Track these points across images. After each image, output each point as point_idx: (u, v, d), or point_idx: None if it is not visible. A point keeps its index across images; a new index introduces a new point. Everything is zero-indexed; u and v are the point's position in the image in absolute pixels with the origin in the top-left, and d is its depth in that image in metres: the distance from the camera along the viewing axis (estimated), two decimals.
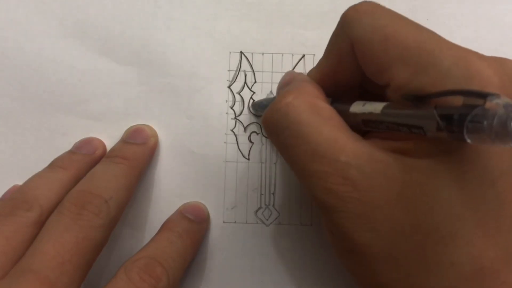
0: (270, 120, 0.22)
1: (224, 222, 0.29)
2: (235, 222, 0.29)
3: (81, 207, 0.23)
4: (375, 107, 0.20)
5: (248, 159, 0.30)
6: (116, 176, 0.26)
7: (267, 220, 0.29)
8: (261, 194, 0.29)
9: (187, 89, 0.30)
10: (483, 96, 0.15)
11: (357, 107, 0.21)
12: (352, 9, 0.21)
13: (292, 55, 0.30)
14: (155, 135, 0.29)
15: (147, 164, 0.29)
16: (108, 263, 0.29)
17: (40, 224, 0.23)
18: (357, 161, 0.19)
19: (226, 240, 0.29)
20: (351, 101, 0.22)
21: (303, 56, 0.30)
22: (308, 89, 0.22)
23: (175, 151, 0.30)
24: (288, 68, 0.30)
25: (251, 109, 0.30)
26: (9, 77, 0.30)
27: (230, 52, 0.30)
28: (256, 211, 0.29)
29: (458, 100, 0.16)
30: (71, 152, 0.29)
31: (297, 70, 0.30)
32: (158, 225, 0.28)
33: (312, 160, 0.20)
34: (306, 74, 0.25)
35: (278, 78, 0.30)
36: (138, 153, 0.28)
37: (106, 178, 0.26)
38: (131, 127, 0.29)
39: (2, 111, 0.30)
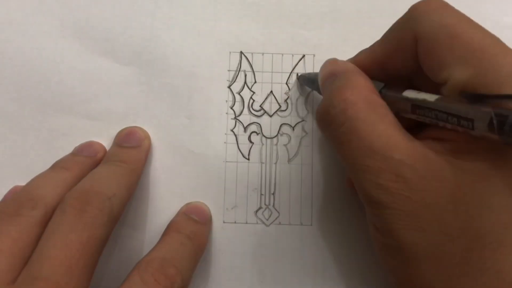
0: (326, 115, 0.22)
1: (224, 222, 0.29)
2: (235, 222, 0.29)
3: (84, 204, 0.23)
4: (430, 96, 0.20)
5: (248, 159, 0.30)
6: (117, 175, 0.26)
7: (267, 220, 0.29)
8: (261, 194, 0.29)
9: (187, 89, 0.30)
10: None
11: (411, 93, 0.21)
12: (422, 3, 0.21)
13: (292, 55, 0.30)
14: (148, 137, 0.29)
15: (144, 166, 0.29)
16: (108, 263, 0.29)
17: (46, 223, 0.23)
18: (410, 160, 0.19)
19: (226, 240, 0.29)
20: (402, 89, 0.22)
21: (303, 56, 0.30)
22: (363, 84, 0.22)
23: (175, 151, 0.30)
24: (288, 68, 0.30)
25: (298, 81, 0.30)
26: (9, 77, 0.30)
27: (230, 52, 0.30)
28: (256, 211, 0.29)
29: None
30: (73, 154, 0.29)
31: (297, 70, 0.30)
32: (158, 225, 0.28)
33: (365, 155, 0.20)
34: (353, 58, 0.25)
35: (278, 78, 0.30)
36: (135, 156, 0.28)
37: (108, 177, 0.26)
38: (123, 130, 0.29)
39: (2, 111, 0.30)
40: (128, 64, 0.30)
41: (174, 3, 0.31)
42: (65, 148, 0.29)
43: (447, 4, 0.21)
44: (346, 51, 0.30)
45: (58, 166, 0.28)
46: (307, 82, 0.29)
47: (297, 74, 0.30)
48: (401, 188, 0.19)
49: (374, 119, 0.21)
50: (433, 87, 0.21)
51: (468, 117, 0.18)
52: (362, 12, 0.30)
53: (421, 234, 0.19)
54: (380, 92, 0.23)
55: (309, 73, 0.30)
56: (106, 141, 0.30)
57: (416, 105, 0.21)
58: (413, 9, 0.22)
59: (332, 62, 0.25)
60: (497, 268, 0.18)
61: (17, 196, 0.25)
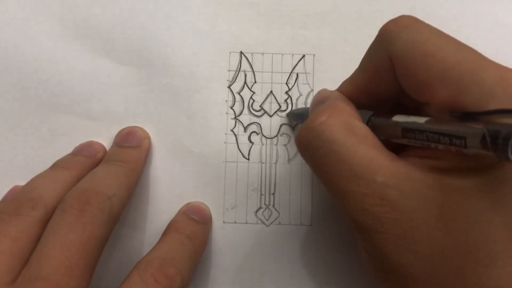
0: (304, 139, 0.22)
1: (224, 222, 0.29)
2: (235, 222, 0.29)
3: (84, 204, 0.23)
4: (419, 118, 0.20)
5: (248, 159, 0.30)
6: (117, 175, 0.26)
7: (267, 220, 0.29)
8: (261, 194, 0.29)
9: (187, 89, 0.30)
10: None
11: (400, 118, 0.21)
12: (392, 22, 0.21)
13: (292, 55, 0.30)
14: (148, 137, 0.29)
15: (144, 166, 0.29)
16: (108, 263, 0.29)
17: (46, 223, 0.23)
18: (394, 181, 0.19)
19: (226, 240, 0.29)
20: (391, 115, 0.21)
21: (303, 56, 0.30)
22: (342, 108, 0.22)
23: (175, 151, 0.30)
24: (288, 68, 0.30)
25: (287, 118, 0.30)
26: (9, 77, 0.30)
27: (230, 52, 0.30)
28: (256, 211, 0.29)
29: (509, 120, 0.16)
30: (73, 154, 0.29)
31: (297, 70, 0.30)
32: (158, 225, 0.28)
33: (347, 180, 0.19)
34: (337, 89, 0.24)
35: (278, 78, 0.30)
36: (135, 156, 0.28)
37: (108, 177, 0.26)
38: (123, 129, 0.29)
39: (2, 111, 0.30)
40: (128, 64, 0.30)
41: (173, 3, 0.31)
42: (65, 148, 0.29)
43: (417, 20, 0.20)
44: (346, 51, 0.30)
45: (58, 166, 0.28)
46: (296, 117, 0.29)
47: (287, 114, 0.30)
48: (387, 211, 0.19)
49: (353, 142, 0.20)
50: (423, 108, 0.21)
51: (460, 135, 0.17)
52: (362, 12, 0.30)
53: (414, 256, 0.19)
54: (369, 120, 0.22)
55: (298, 109, 0.30)
56: (106, 141, 0.30)
57: (406, 128, 0.20)
58: (383, 30, 0.21)
59: (320, 91, 0.25)
60: (492, 282, 0.18)
61: (17, 196, 0.25)
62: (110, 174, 0.26)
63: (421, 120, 0.19)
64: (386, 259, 0.19)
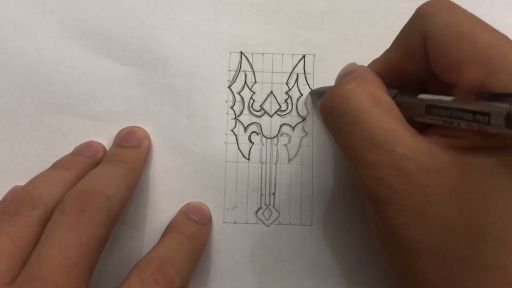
0: (329, 104, 0.22)
1: (224, 222, 0.29)
2: (235, 223, 0.29)
3: (83, 204, 0.23)
4: (445, 97, 0.20)
5: (248, 159, 0.30)
6: (117, 175, 0.26)
7: (267, 220, 0.29)
8: (261, 194, 0.29)
9: (187, 89, 0.30)
10: None
11: (426, 96, 0.21)
12: (429, 4, 0.21)
13: (292, 55, 0.30)
14: (148, 137, 0.29)
15: (144, 166, 0.29)
16: (108, 263, 0.29)
17: (45, 223, 0.23)
18: (414, 154, 0.19)
19: (226, 241, 0.29)
20: (416, 94, 0.22)
21: (303, 56, 0.30)
22: (370, 79, 0.22)
23: (175, 151, 0.30)
24: (288, 68, 0.30)
25: (310, 96, 0.30)
26: (9, 77, 0.30)
27: (230, 52, 0.30)
28: (256, 211, 0.29)
29: None
30: (73, 154, 0.29)
31: (297, 70, 0.30)
32: (158, 225, 0.28)
33: (368, 148, 0.20)
34: (367, 65, 0.25)
35: (278, 78, 0.30)
36: (135, 156, 0.28)
37: (107, 177, 0.26)
38: (123, 129, 0.29)
39: (2, 111, 0.30)
40: (128, 64, 0.30)
41: (174, 3, 0.31)
42: (65, 148, 0.29)
43: (453, 4, 0.21)
44: (346, 51, 0.30)
45: (58, 165, 0.28)
46: (319, 95, 0.29)
47: (309, 92, 0.30)
48: (403, 183, 0.19)
49: (377, 112, 0.20)
50: (447, 93, 0.21)
51: (485, 111, 0.17)
52: (362, 12, 0.30)
53: (424, 230, 0.19)
54: (394, 97, 0.22)
55: (321, 87, 0.30)
56: (106, 141, 0.30)
57: (431, 105, 0.20)
58: (419, 11, 0.21)
59: (348, 65, 0.25)
60: (498, 265, 0.18)
61: (16, 195, 0.25)
62: (109, 174, 0.26)
63: (447, 98, 0.20)
64: (395, 232, 0.19)
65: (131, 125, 0.30)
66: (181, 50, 0.30)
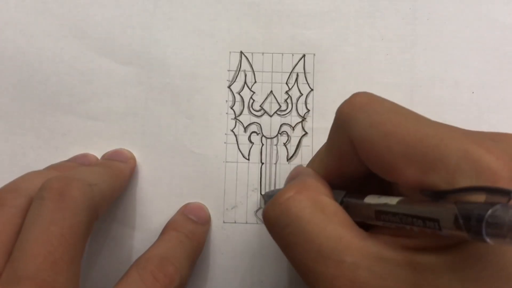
0: (271, 215, 0.21)
1: (224, 222, 0.29)
2: (235, 222, 0.29)
3: (64, 188, 0.22)
4: (391, 199, 0.19)
5: (248, 159, 0.30)
6: (101, 173, 0.26)
7: None
8: (261, 194, 0.29)
9: (187, 89, 0.30)
10: (507, 193, 0.14)
11: (372, 199, 0.20)
12: (347, 104, 0.20)
13: (292, 55, 0.30)
14: (133, 158, 0.29)
15: (128, 181, 0.29)
16: (108, 263, 0.29)
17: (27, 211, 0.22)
18: (364, 261, 0.18)
19: (226, 240, 0.29)
20: (364, 195, 0.21)
21: (303, 56, 0.30)
22: (311, 184, 0.21)
23: (175, 151, 0.30)
24: (288, 68, 0.30)
25: (263, 198, 0.29)
26: (9, 77, 0.30)
27: (230, 52, 0.30)
28: (256, 211, 0.29)
29: (481, 197, 0.15)
30: (67, 161, 0.29)
31: (297, 69, 0.30)
32: (158, 225, 0.28)
33: (316, 260, 0.19)
34: (308, 165, 0.24)
35: (278, 78, 0.30)
36: (121, 166, 0.28)
37: (90, 171, 0.26)
38: (109, 151, 0.29)
39: (2, 111, 0.30)
40: (128, 64, 0.30)
41: (174, 3, 0.31)
42: (65, 148, 0.29)
43: (372, 97, 0.20)
44: (346, 51, 0.30)
45: (50, 167, 0.28)
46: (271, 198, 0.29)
47: (262, 195, 0.29)
48: None
49: (321, 219, 0.19)
50: (397, 188, 0.20)
51: (433, 217, 0.16)
52: (362, 12, 0.30)
53: None
54: (342, 200, 0.21)
55: (273, 190, 0.29)
56: (105, 141, 0.30)
57: (380, 211, 0.19)
58: (339, 113, 0.20)
59: (295, 168, 0.25)
60: None
61: (3, 187, 0.24)
62: (93, 169, 0.26)
63: (393, 201, 0.19)
64: None
65: (130, 125, 0.30)
66: (181, 50, 0.30)
